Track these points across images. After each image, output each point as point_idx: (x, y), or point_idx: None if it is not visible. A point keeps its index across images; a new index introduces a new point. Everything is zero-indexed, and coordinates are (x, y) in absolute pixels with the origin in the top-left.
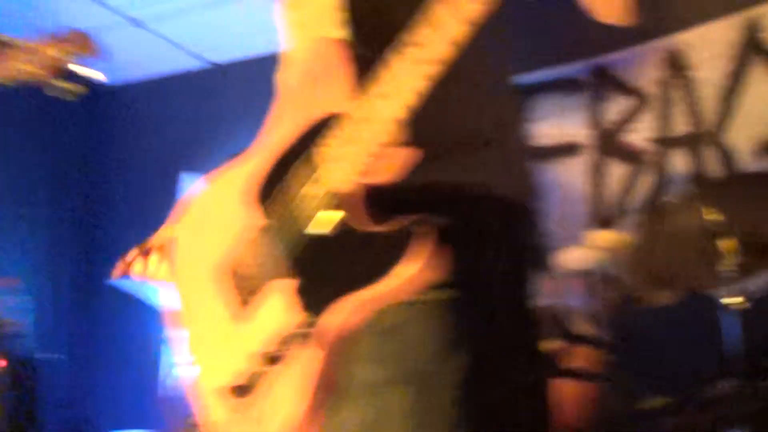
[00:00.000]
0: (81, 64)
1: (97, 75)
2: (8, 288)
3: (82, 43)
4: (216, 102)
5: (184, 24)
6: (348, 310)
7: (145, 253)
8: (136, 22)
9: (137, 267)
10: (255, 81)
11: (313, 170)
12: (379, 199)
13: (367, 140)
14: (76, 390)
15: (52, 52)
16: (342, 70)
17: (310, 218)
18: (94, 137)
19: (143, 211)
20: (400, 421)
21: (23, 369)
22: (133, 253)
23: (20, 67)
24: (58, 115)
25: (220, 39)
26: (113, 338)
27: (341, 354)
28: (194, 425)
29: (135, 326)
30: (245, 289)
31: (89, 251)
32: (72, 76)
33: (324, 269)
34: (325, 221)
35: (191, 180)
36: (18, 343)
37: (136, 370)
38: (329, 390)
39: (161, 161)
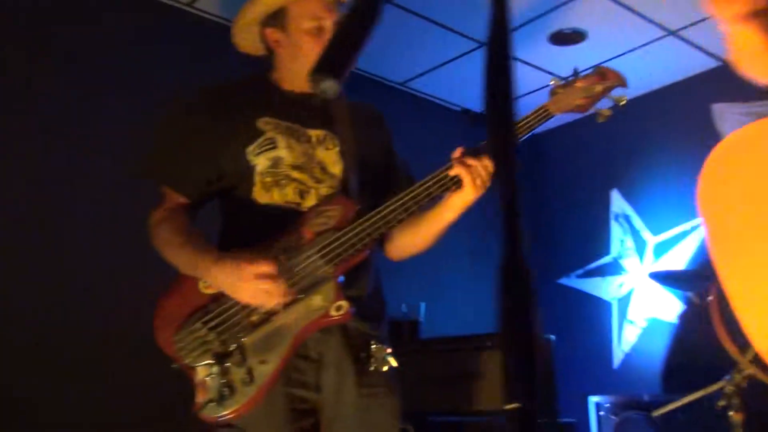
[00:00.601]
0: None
1: (620, 100)
2: None
3: (618, 78)
4: (642, 124)
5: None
6: None
7: None
8: None
9: None
10: (677, 106)
11: None
12: None
13: None
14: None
15: (599, 88)
16: None
17: None
18: (533, 157)
19: (580, 223)
20: None
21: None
22: None
23: (577, 102)
24: None
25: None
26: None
27: None
28: None
29: (587, 315)
30: None
31: (538, 256)
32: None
33: None
34: None
35: (620, 196)
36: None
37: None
38: None
39: (596, 180)
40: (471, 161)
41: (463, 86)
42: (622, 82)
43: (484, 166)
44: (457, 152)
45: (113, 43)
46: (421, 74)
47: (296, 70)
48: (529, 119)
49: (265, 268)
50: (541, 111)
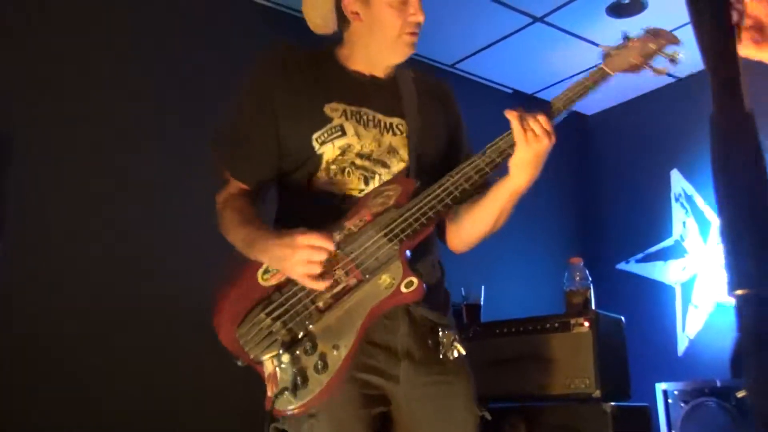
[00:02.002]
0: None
1: (675, 55)
2: (576, 265)
3: (670, 36)
4: (702, 100)
5: None
6: None
7: None
8: None
9: None
10: None
11: None
12: None
13: None
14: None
15: (653, 46)
16: None
17: None
18: (587, 139)
19: (637, 206)
20: None
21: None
22: None
23: (631, 61)
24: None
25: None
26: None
27: None
28: None
29: (648, 301)
30: None
31: (594, 240)
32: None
33: None
34: None
35: (681, 175)
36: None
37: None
38: None
39: (654, 160)
40: (523, 114)
41: (514, 67)
42: (675, 39)
43: (536, 120)
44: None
45: (178, 31)
46: (471, 55)
47: (371, 47)
48: (585, 81)
49: (319, 239)
50: (597, 72)
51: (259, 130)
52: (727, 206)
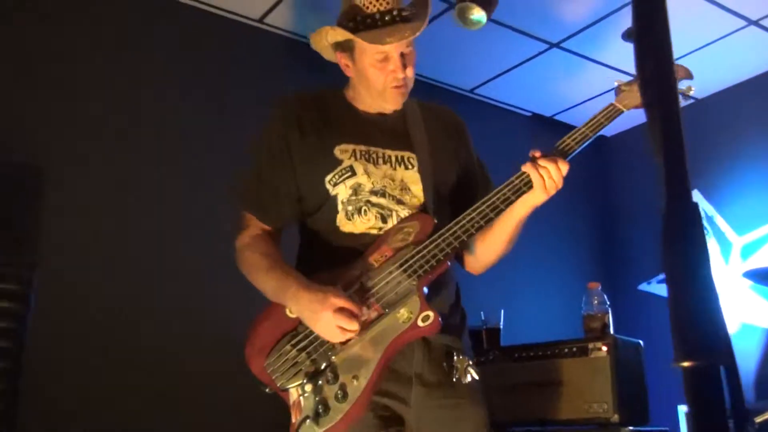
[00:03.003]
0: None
1: (688, 90)
2: (594, 289)
3: (683, 71)
4: (721, 121)
5: None
6: None
7: None
8: None
9: None
10: (758, 99)
11: None
12: None
13: None
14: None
15: None
16: None
17: None
18: (605, 161)
19: (657, 227)
20: None
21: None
22: None
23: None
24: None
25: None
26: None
27: None
28: None
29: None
30: None
31: (614, 262)
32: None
33: None
34: None
35: (701, 196)
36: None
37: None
38: None
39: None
40: (544, 162)
41: (532, 91)
42: (688, 74)
43: (556, 168)
44: (533, 152)
45: (185, 60)
46: (490, 80)
47: (365, 94)
48: (598, 118)
49: (347, 303)
50: (609, 108)
51: (280, 175)
52: (674, 283)
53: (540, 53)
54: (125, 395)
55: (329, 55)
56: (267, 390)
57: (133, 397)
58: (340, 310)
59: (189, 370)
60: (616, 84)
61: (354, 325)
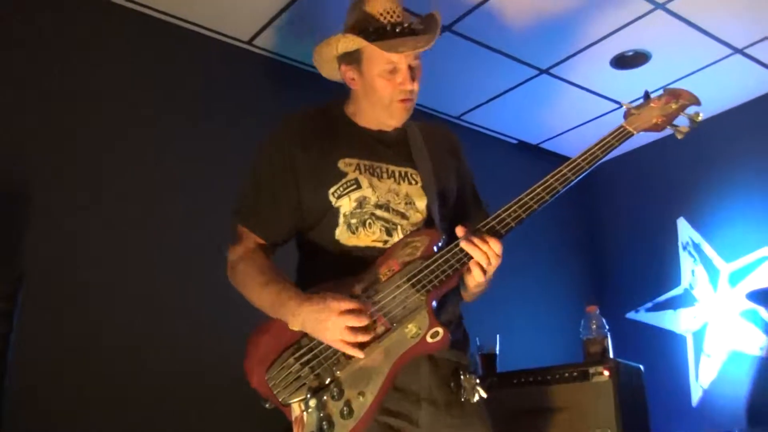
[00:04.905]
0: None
1: (696, 117)
2: (592, 313)
3: (691, 97)
4: (707, 148)
5: None
6: None
7: None
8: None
9: None
10: (744, 127)
11: None
12: None
13: None
14: None
15: (674, 106)
16: None
17: None
18: (593, 187)
19: (645, 255)
20: None
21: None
22: None
23: (654, 121)
24: None
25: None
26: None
27: None
28: None
29: (659, 351)
30: None
31: (604, 290)
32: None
33: None
34: None
35: (688, 224)
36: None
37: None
38: None
39: (660, 209)
40: (477, 241)
41: (519, 118)
42: (696, 100)
43: (487, 244)
44: (460, 230)
45: (179, 81)
46: (477, 106)
47: (369, 109)
48: (608, 140)
49: (349, 303)
50: (620, 130)
51: (282, 188)
52: None
53: (529, 79)
54: (112, 408)
55: (330, 69)
56: (267, 405)
57: (120, 412)
58: (345, 311)
59: (177, 383)
60: (624, 106)
61: (363, 321)
